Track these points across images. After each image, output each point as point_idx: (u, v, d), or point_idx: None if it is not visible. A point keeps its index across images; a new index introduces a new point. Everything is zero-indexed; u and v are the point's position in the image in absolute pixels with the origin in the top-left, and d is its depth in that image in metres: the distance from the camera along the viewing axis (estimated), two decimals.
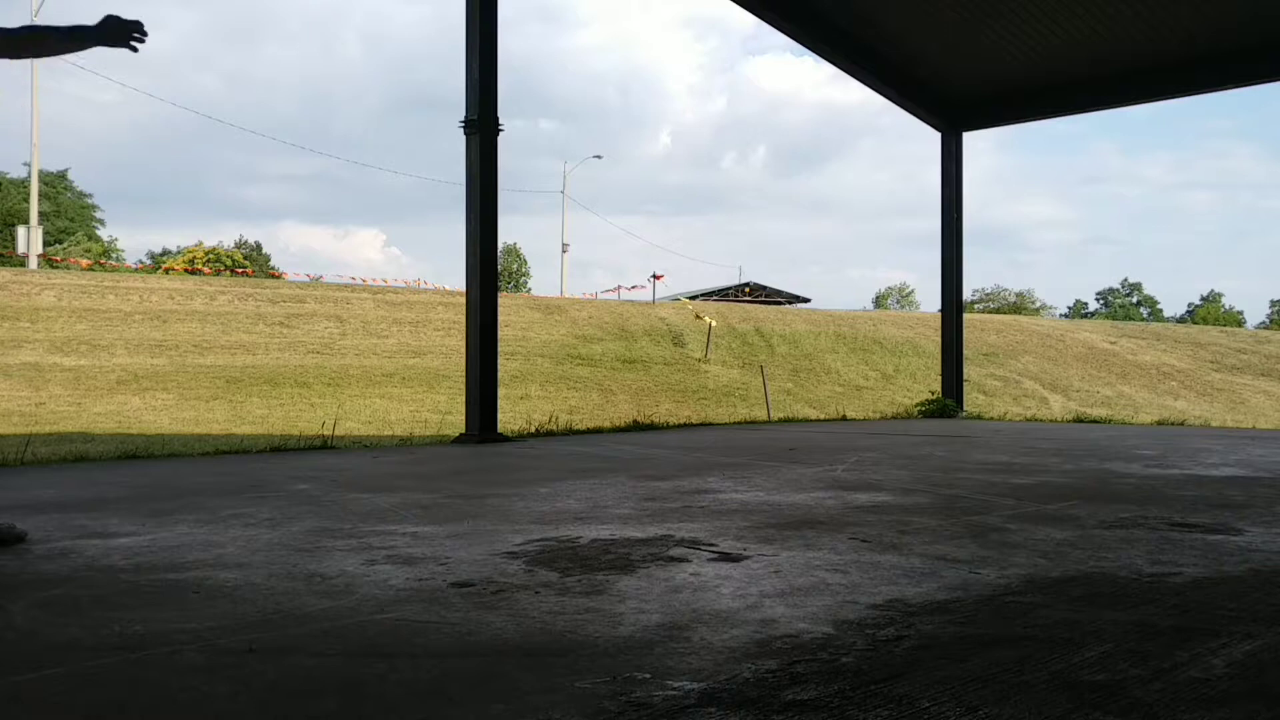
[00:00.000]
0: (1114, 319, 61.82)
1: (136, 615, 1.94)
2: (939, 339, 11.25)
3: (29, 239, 27.86)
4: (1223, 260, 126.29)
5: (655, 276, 37.28)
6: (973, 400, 16.03)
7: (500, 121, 6.68)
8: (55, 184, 51.55)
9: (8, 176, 50.10)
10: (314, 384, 17.62)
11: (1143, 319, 66.20)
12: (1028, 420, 11.95)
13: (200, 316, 21.19)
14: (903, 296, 78.52)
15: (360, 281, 30.31)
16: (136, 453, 5.54)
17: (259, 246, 58.60)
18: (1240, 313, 74.09)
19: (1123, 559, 2.53)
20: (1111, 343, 30.55)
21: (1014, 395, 23.43)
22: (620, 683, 1.53)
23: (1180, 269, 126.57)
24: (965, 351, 11.12)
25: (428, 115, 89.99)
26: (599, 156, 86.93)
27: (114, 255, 49.71)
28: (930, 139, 10.53)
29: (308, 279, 30.04)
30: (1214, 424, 14.38)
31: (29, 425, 11.95)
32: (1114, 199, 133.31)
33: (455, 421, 7.64)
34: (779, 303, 45.19)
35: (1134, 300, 79.19)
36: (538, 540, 2.76)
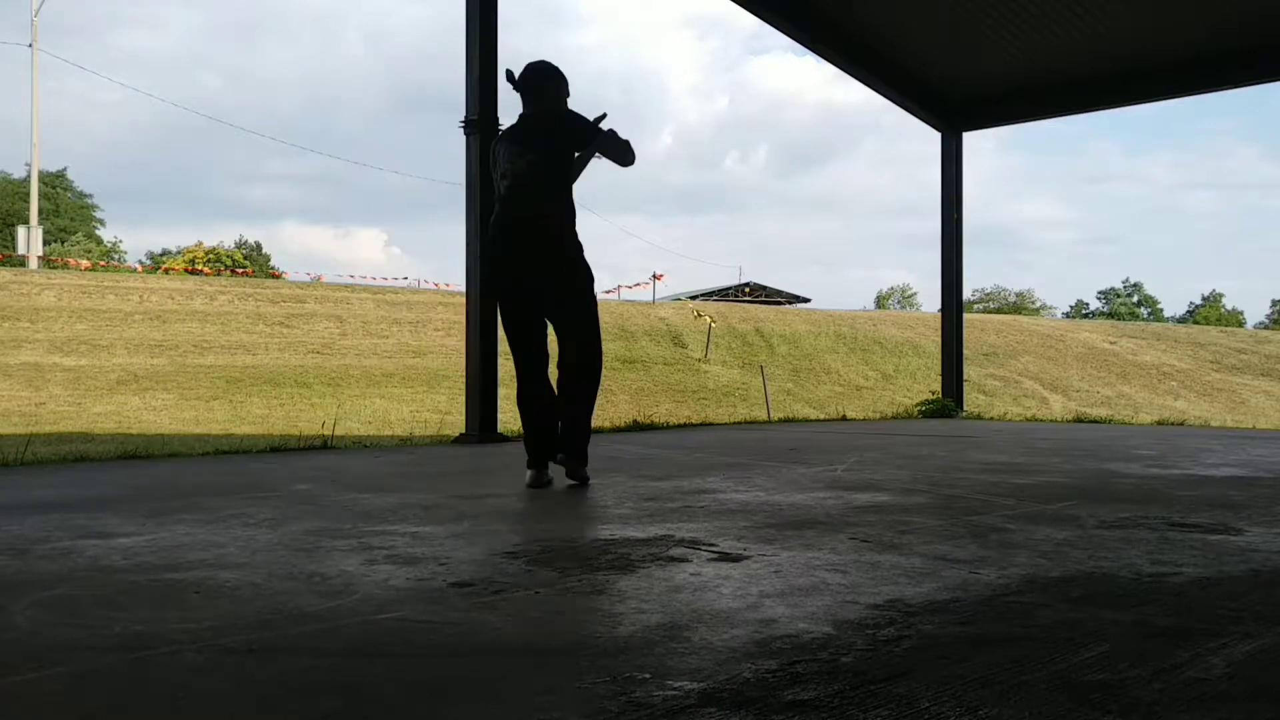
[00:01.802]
0: (1115, 318, 61.82)
1: (136, 615, 1.94)
2: (939, 339, 11.26)
3: (29, 239, 27.86)
4: (1223, 260, 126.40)
5: (655, 276, 37.28)
6: (973, 400, 16.02)
7: (500, 121, 6.68)
8: (55, 184, 51.52)
9: (8, 176, 50.05)
10: (314, 384, 17.61)
11: (1143, 319, 66.18)
12: (1028, 420, 11.95)
13: (200, 316, 21.18)
14: (905, 297, 78.54)
15: (360, 280, 30.29)
16: (136, 453, 5.54)
17: (259, 246, 58.56)
18: (1240, 313, 74.13)
19: (1123, 559, 2.53)
20: (1111, 343, 30.54)
21: (1014, 395, 23.43)
22: (620, 683, 1.53)
23: (1181, 269, 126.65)
24: (965, 351, 11.13)
25: (428, 115, 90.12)
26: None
27: (116, 255, 49.69)
28: (931, 139, 10.54)
29: (308, 279, 29.99)
30: (1214, 424, 14.38)
31: (29, 425, 11.95)
32: (1115, 199, 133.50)
33: (455, 421, 7.63)
34: (779, 303, 45.17)
35: (1135, 300, 79.16)
36: (538, 540, 2.76)
